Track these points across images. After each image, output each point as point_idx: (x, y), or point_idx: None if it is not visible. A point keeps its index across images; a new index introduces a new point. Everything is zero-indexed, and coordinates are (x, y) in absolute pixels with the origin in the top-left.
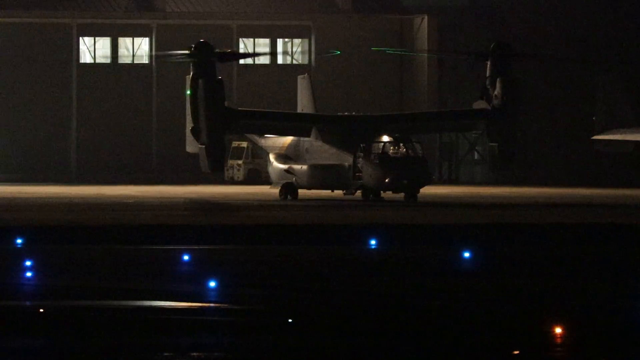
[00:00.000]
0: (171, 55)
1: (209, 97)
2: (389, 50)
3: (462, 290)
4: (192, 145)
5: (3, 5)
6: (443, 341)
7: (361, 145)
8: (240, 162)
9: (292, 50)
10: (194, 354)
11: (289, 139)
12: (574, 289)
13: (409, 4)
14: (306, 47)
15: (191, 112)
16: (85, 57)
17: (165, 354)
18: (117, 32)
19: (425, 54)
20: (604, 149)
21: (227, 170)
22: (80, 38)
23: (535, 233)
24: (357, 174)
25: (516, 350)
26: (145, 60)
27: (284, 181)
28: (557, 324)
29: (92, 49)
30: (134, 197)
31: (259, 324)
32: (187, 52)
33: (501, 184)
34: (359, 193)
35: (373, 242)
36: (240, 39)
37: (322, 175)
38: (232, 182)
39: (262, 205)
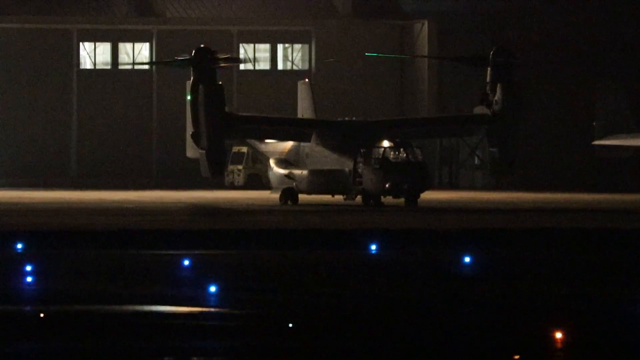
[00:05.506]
0: (171, 61)
1: (210, 102)
2: (384, 55)
3: (462, 294)
4: (192, 151)
5: (3, 10)
6: (443, 346)
7: (361, 150)
8: (240, 167)
9: (292, 56)
10: (194, 358)
11: (289, 144)
12: (574, 293)
13: (410, 9)
14: (306, 53)
15: (191, 118)
16: (86, 63)
17: (166, 358)
18: (117, 37)
19: (426, 58)
20: (604, 154)
21: (228, 175)
22: (81, 43)
23: (534, 238)
24: (357, 179)
25: (516, 355)
26: (146, 66)
27: (284, 186)
28: (557, 328)
29: (93, 55)
30: (134, 202)
31: (259, 329)
32: (187, 57)
33: (501, 189)
34: (359, 198)
35: (373, 246)
36: (241, 44)
37: (322, 181)
38: (233, 187)
39: (263, 210)
